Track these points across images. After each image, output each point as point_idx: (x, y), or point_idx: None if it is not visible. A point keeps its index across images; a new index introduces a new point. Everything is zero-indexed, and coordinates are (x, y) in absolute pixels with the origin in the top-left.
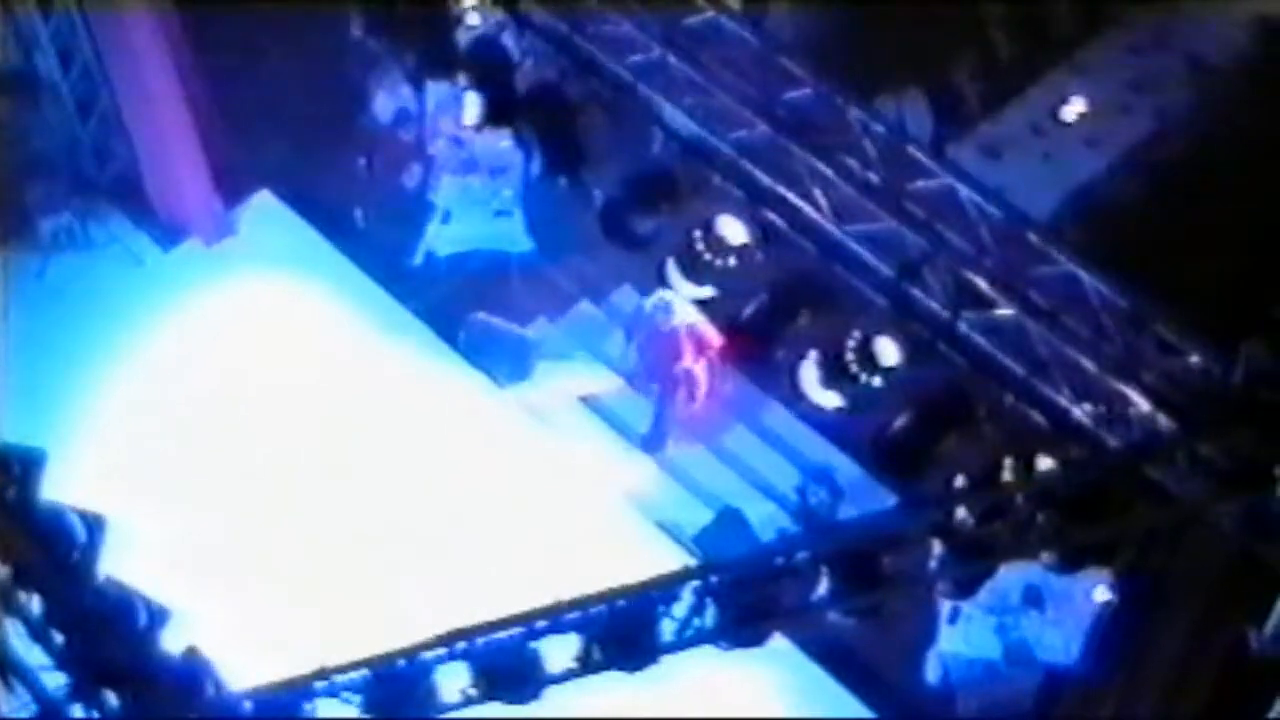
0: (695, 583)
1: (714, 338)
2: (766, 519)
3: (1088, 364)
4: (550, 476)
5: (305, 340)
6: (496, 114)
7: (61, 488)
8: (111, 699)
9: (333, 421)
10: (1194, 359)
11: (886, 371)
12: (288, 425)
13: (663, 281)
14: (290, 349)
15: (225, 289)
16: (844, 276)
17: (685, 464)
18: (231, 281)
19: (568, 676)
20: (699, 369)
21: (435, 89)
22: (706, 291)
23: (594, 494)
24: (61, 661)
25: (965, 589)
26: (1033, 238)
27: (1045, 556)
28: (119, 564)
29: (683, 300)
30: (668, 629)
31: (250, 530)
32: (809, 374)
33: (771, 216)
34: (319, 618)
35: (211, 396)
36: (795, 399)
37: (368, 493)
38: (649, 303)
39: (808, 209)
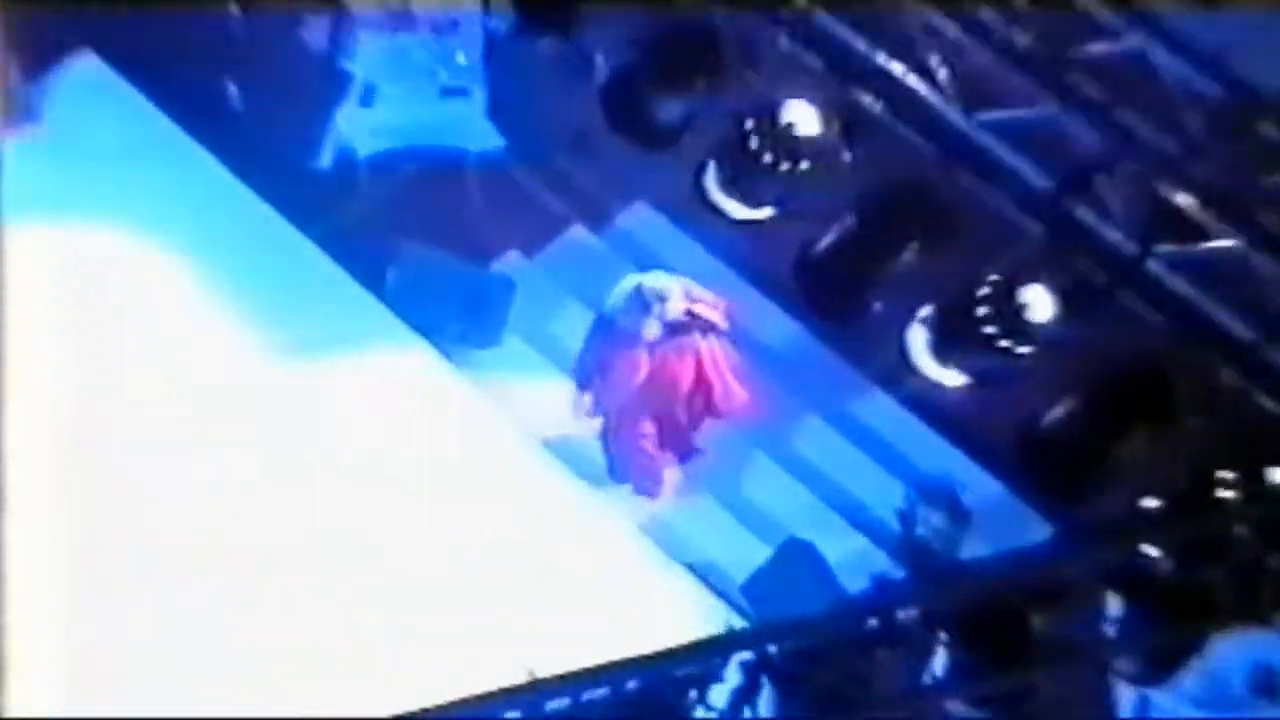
0: (745, 654)
1: (718, 315)
2: (851, 558)
3: None
4: (530, 498)
5: (148, 291)
6: None
7: None
8: None
9: (194, 425)
10: None
11: (1037, 334)
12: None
13: (698, 194)
14: (126, 302)
15: (27, 202)
16: (974, 190)
17: (728, 479)
18: (35, 191)
19: None
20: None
21: None
22: (762, 213)
23: (597, 525)
24: None
25: (1159, 668)
26: (1268, 130)
27: None
28: None
29: (673, 278)
30: None
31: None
32: (918, 339)
33: (864, 98)
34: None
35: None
36: (897, 376)
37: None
38: (614, 299)
39: (920, 87)
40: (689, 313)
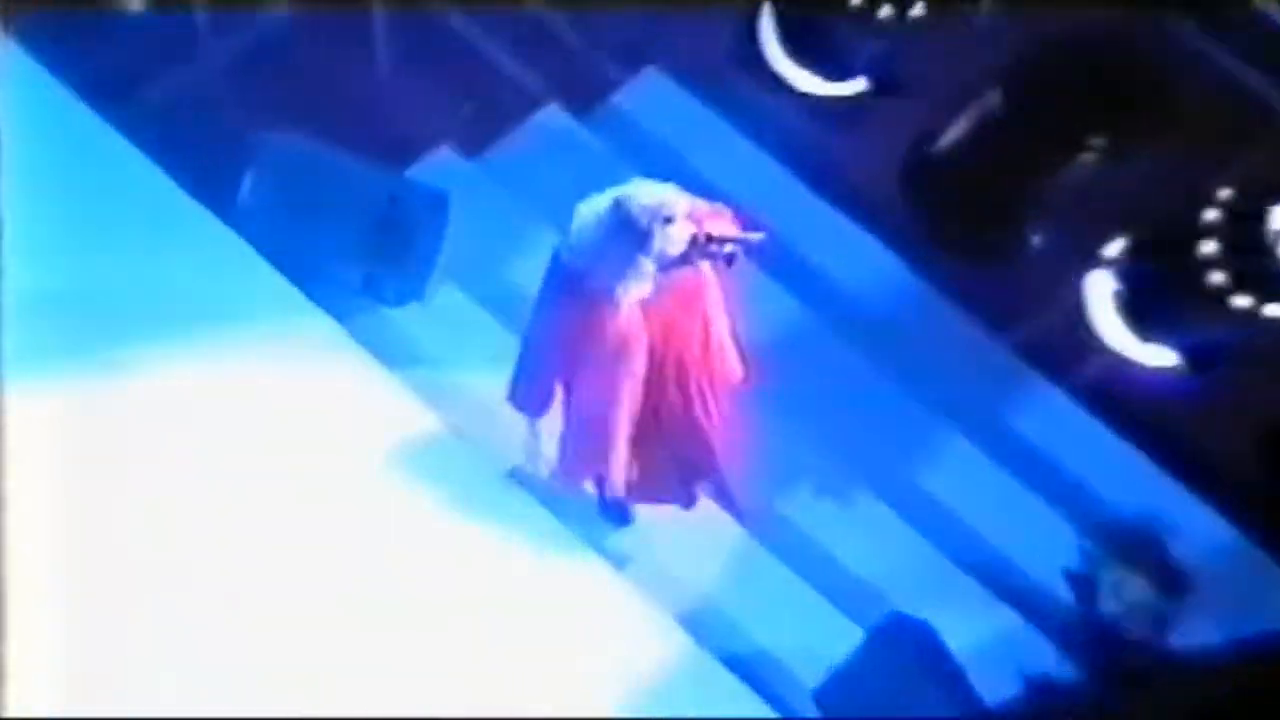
0: None
1: (743, 232)
2: (991, 645)
3: None
4: (476, 546)
5: None
6: None
7: None
8: None
9: None
10: None
11: None
12: None
13: (747, 57)
14: None
15: None
16: (1197, 52)
17: (794, 523)
18: None
19: None
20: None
21: None
22: (849, 87)
23: (582, 589)
24: None
25: None
26: None
27: None
28: None
29: (666, 187)
30: None
31: None
32: (1103, 292)
33: None
34: None
35: None
36: (1068, 352)
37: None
38: (580, 230)
39: None
40: (708, 236)
